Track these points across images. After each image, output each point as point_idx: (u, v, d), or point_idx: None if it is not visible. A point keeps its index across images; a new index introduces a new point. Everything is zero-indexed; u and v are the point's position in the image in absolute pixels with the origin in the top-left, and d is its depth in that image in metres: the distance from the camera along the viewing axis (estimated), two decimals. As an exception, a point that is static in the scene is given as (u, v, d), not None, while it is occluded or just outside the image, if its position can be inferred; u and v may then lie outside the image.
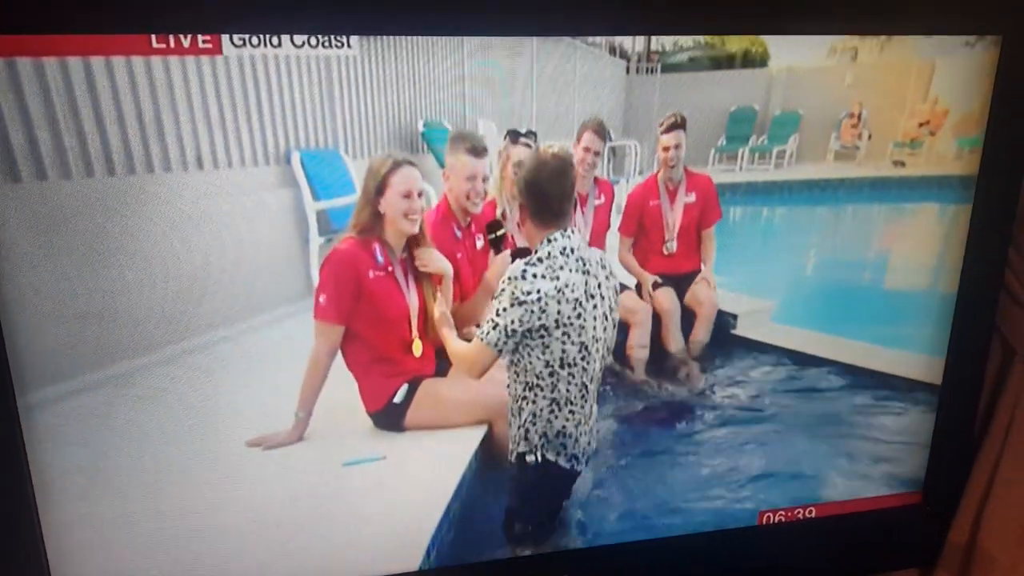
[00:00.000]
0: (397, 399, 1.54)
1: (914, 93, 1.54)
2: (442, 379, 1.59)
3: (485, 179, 1.55)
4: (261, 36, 1.03)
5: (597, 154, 1.60)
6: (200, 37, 1.01)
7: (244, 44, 1.04)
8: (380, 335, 1.52)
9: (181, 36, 1.00)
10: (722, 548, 1.44)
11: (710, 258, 1.73)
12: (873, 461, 1.53)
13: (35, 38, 0.97)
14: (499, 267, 1.53)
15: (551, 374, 1.38)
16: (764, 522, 1.44)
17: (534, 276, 1.33)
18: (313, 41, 1.07)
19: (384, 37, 1.18)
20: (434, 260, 1.53)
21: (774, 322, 1.69)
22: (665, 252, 1.75)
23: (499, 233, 1.56)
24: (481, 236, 1.62)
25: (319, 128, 1.33)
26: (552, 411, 1.42)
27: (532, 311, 1.33)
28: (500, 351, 1.38)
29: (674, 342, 1.73)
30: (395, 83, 1.32)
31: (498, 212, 1.61)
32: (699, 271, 1.75)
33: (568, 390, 1.40)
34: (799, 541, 1.46)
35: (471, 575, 1.45)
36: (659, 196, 1.73)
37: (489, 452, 1.58)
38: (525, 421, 1.44)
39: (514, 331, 1.34)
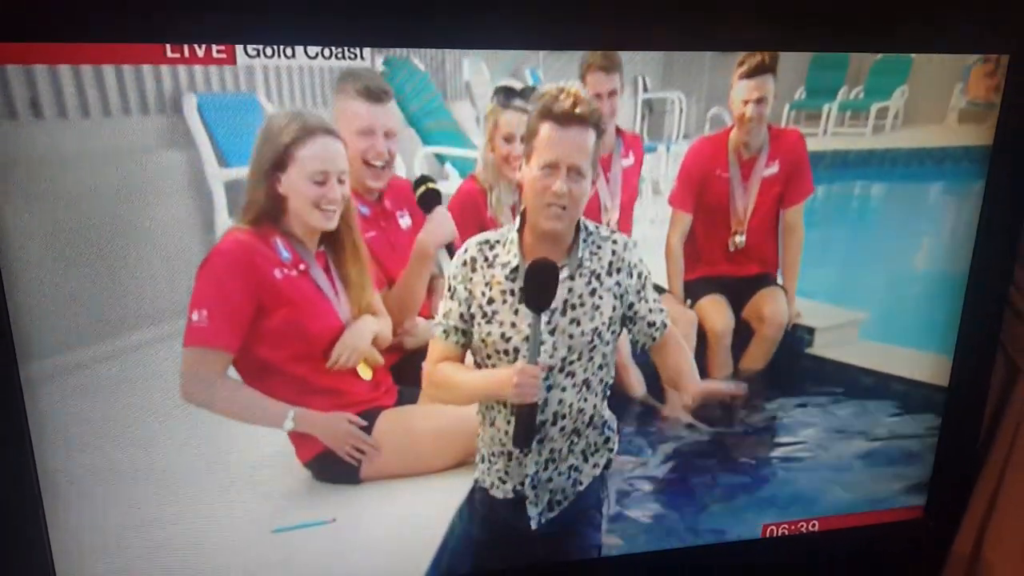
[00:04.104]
0: (347, 439, 1.21)
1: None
2: (412, 407, 1.25)
3: (389, 134, 1.15)
4: (275, 47, 0.99)
5: (613, 93, 1.19)
6: (215, 47, 0.97)
7: (258, 55, 0.99)
8: (306, 361, 1.16)
9: (196, 46, 0.97)
10: (725, 561, 1.42)
11: (793, 260, 1.31)
12: (876, 475, 1.44)
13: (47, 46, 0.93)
14: (437, 229, 1.19)
15: None
16: (767, 535, 1.42)
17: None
18: (327, 52, 1.01)
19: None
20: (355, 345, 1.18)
21: (864, 339, 1.38)
22: (731, 247, 1.31)
23: (432, 186, 1.17)
24: (403, 212, 1.22)
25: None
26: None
27: None
28: None
29: (720, 372, 1.36)
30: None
31: (492, 198, 1.22)
32: (770, 276, 1.33)
33: None
34: (802, 554, 1.45)
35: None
36: (728, 167, 1.28)
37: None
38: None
39: None
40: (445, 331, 1.13)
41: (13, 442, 1.04)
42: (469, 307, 1.12)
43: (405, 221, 1.22)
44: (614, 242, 1.13)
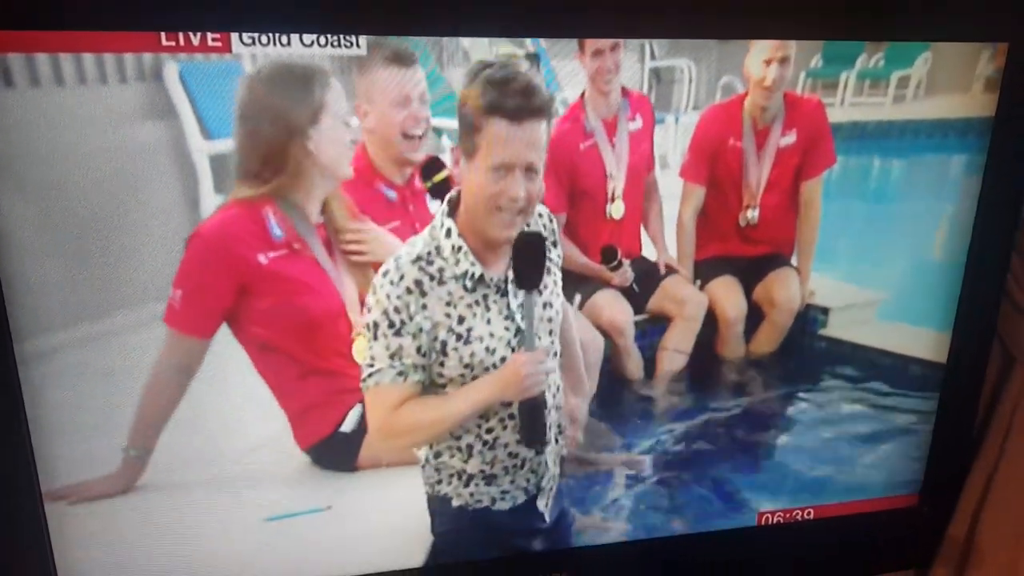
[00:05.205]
0: (347, 426, 1.15)
1: None
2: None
3: (424, 98, 1.07)
4: (271, 35, 0.96)
5: (616, 48, 1.11)
6: (210, 35, 0.94)
7: (253, 43, 0.96)
8: (306, 341, 1.10)
9: (191, 34, 0.94)
10: (720, 548, 1.41)
11: (809, 238, 1.25)
12: (871, 463, 1.43)
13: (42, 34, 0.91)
14: None
15: None
16: (762, 522, 1.41)
17: None
18: (323, 40, 0.98)
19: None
20: (375, 242, 1.07)
21: (880, 320, 1.33)
22: (742, 223, 1.25)
23: (439, 177, 1.09)
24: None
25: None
26: None
27: None
28: None
29: (731, 355, 1.32)
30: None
31: None
32: (783, 256, 1.27)
33: None
34: (797, 542, 1.46)
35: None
36: (742, 136, 1.22)
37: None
38: None
39: None
40: (401, 373, 0.99)
41: (12, 429, 1.02)
42: (435, 338, 0.99)
43: (433, 205, 1.12)
44: (540, 215, 1.06)
